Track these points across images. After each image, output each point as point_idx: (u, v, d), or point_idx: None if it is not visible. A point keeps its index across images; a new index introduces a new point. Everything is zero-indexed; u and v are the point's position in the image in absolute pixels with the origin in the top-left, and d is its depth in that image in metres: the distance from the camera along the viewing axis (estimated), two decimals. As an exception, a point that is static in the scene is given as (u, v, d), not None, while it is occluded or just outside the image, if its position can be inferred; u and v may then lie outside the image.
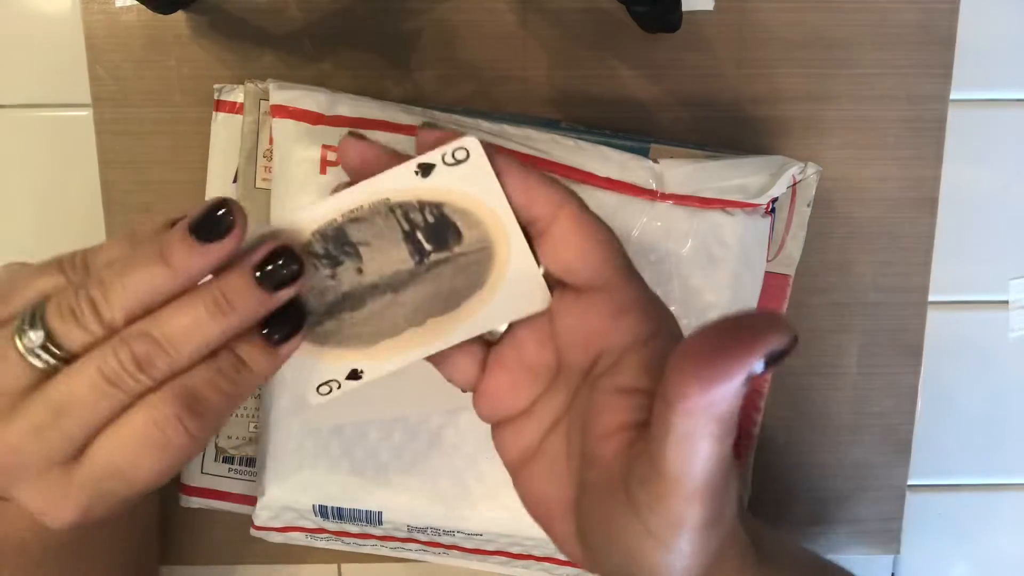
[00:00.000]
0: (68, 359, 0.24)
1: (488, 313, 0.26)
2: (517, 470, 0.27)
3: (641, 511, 0.22)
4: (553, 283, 0.26)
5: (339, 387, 0.27)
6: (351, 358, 0.27)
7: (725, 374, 0.20)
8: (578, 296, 0.25)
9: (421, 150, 0.25)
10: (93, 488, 0.24)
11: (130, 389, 0.24)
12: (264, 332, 0.25)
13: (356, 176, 0.25)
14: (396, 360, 0.27)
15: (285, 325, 0.25)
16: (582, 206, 0.25)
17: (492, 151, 0.25)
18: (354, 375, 0.27)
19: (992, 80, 0.44)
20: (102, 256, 0.26)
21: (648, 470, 0.22)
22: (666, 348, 0.24)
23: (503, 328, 0.27)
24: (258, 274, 0.24)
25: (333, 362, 0.27)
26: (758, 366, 0.19)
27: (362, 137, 0.25)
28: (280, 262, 0.24)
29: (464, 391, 0.28)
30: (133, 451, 0.24)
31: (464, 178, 0.24)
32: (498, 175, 0.24)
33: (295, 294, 0.25)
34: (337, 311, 0.26)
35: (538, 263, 0.26)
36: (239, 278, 0.24)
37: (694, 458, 0.21)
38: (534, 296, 0.26)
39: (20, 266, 0.27)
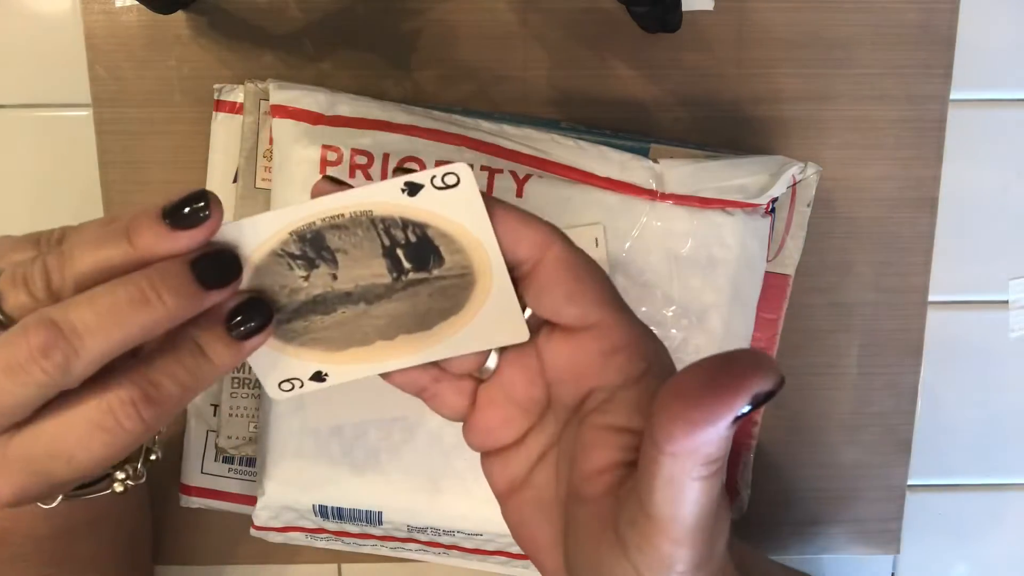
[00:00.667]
0: (7, 325, 0.23)
1: (462, 338, 0.26)
2: (505, 499, 0.27)
3: (630, 552, 0.22)
4: (541, 321, 0.26)
5: (301, 386, 0.27)
6: (317, 360, 0.26)
7: (711, 417, 0.19)
8: (567, 335, 0.25)
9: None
10: (29, 467, 0.23)
11: (40, 379, 0.22)
12: (230, 324, 0.24)
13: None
14: (363, 368, 0.26)
15: (252, 319, 0.24)
16: (569, 245, 0.24)
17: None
18: (318, 377, 0.27)
19: (992, 80, 0.44)
20: (78, 232, 0.25)
21: (637, 512, 0.22)
22: (657, 386, 0.23)
23: (492, 365, 0.27)
24: (196, 269, 0.23)
25: (298, 360, 0.26)
26: (744, 408, 0.19)
27: (337, 182, 0.25)
28: (223, 262, 0.23)
29: (454, 421, 0.28)
30: (82, 433, 0.23)
31: (451, 203, 0.24)
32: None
33: (231, 298, 0.24)
34: (307, 312, 0.26)
35: (520, 297, 0.25)
36: (174, 267, 0.23)
37: (682, 501, 0.21)
38: (512, 329, 0.26)
39: (3, 238, 0.27)
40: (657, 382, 0.24)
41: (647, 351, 0.25)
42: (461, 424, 0.28)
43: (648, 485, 0.21)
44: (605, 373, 0.24)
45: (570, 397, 0.25)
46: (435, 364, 0.27)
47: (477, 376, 0.27)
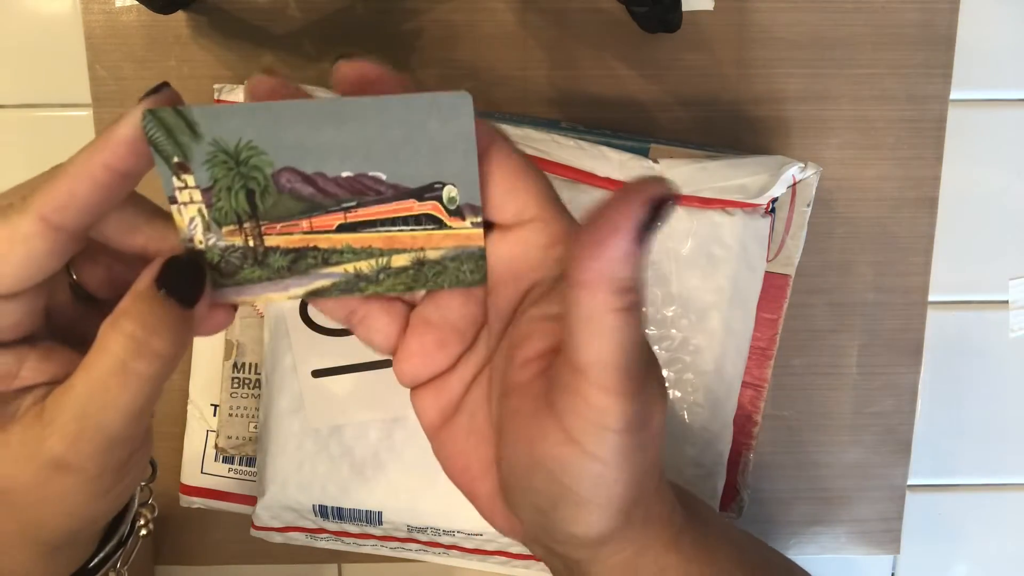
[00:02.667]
0: None
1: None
2: (437, 432, 0.26)
3: (564, 418, 0.22)
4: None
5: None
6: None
7: (613, 233, 0.20)
8: (506, 233, 0.24)
9: (340, 79, 0.23)
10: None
11: None
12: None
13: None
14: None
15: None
16: (509, 145, 0.24)
17: (410, 83, 0.23)
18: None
19: (992, 80, 0.44)
20: None
21: (565, 371, 0.22)
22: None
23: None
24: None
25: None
26: (643, 223, 0.20)
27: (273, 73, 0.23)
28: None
29: (383, 354, 0.26)
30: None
31: None
32: None
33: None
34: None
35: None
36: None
37: (603, 337, 0.20)
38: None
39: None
40: None
41: None
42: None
43: (571, 331, 0.21)
44: (544, 265, 0.24)
45: (509, 300, 0.25)
46: None
47: (409, 299, 0.26)
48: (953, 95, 0.44)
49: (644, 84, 0.43)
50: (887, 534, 0.48)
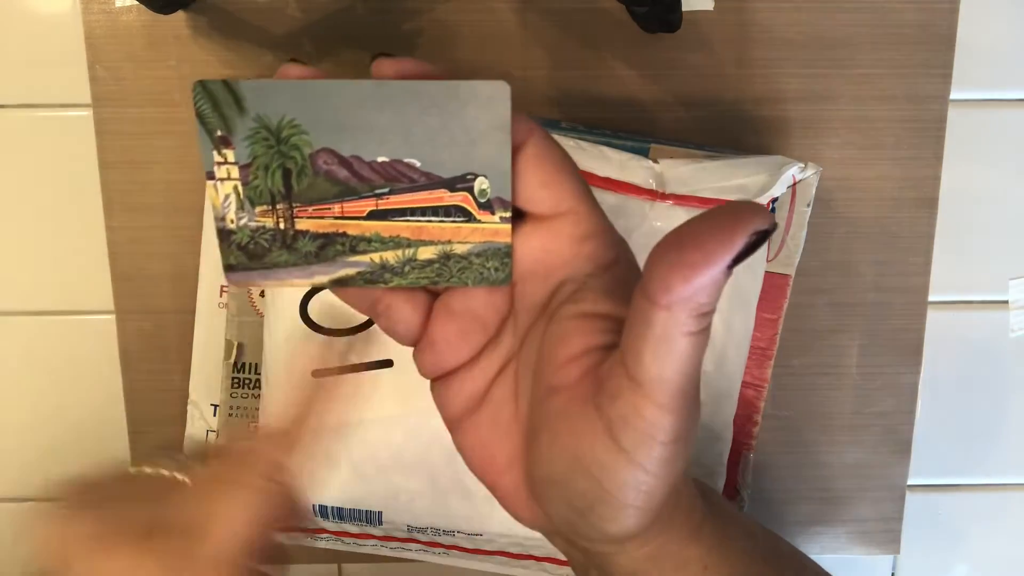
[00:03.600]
0: None
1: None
2: (459, 424, 0.26)
3: (613, 426, 0.22)
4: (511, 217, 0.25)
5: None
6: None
7: (710, 258, 0.19)
8: (538, 225, 0.24)
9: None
10: None
11: None
12: None
13: None
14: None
15: None
16: (545, 137, 0.24)
17: (450, 75, 0.23)
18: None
19: (992, 80, 0.44)
20: None
21: (621, 380, 0.22)
22: (627, 275, 0.24)
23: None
24: None
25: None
26: (742, 247, 0.19)
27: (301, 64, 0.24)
28: None
29: (405, 344, 0.26)
30: None
31: None
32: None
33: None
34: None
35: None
36: None
37: (672, 358, 0.21)
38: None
39: None
40: (626, 271, 0.24)
41: (616, 240, 0.25)
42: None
43: (637, 346, 0.21)
44: (576, 261, 0.24)
45: (538, 294, 0.25)
46: None
47: (432, 287, 0.26)
48: (953, 95, 0.44)
49: (644, 84, 0.43)
50: (887, 534, 0.48)
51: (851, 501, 0.47)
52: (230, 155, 0.22)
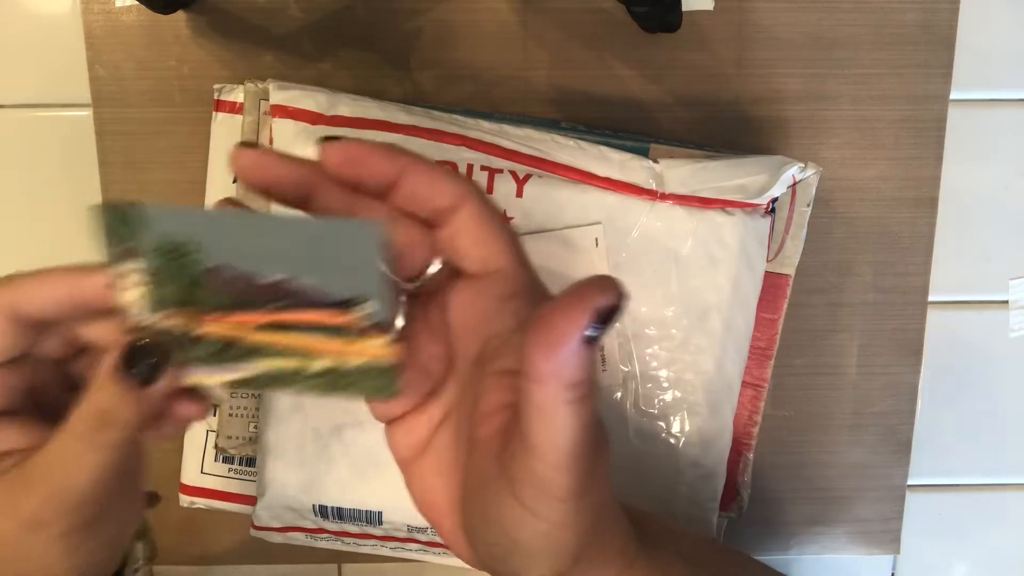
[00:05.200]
0: None
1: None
2: (407, 467, 0.28)
3: (514, 484, 0.23)
4: (446, 276, 0.27)
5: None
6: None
7: (562, 337, 0.21)
8: (471, 283, 0.26)
9: (327, 161, 0.25)
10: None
11: None
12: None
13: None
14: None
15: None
16: (483, 199, 0.26)
17: (394, 149, 0.25)
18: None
19: (992, 80, 0.44)
20: None
21: (517, 444, 0.23)
22: None
23: (398, 325, 0.27)
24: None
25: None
26: (591, 327, 0.21)
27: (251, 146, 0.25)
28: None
29: None
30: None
31: None
32: (403, 171, 0.25)
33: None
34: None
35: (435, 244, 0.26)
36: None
37: (554, 427, 0.22)
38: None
39: None
40: None
41: (541, 298, 0.26)
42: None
43: (524, 416, 0.22)
44: (502, 317, 0.25)
45: (471, 348, 0.26)
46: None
47: None
48: (953, 95, 0.44)
49: (644, 84, 0.43)
50: (887, 534, 0.48)
51: (851, 501, 0.47)
52: (135, 264, 0.24)
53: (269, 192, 0.25)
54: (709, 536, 0.42)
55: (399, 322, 0.26)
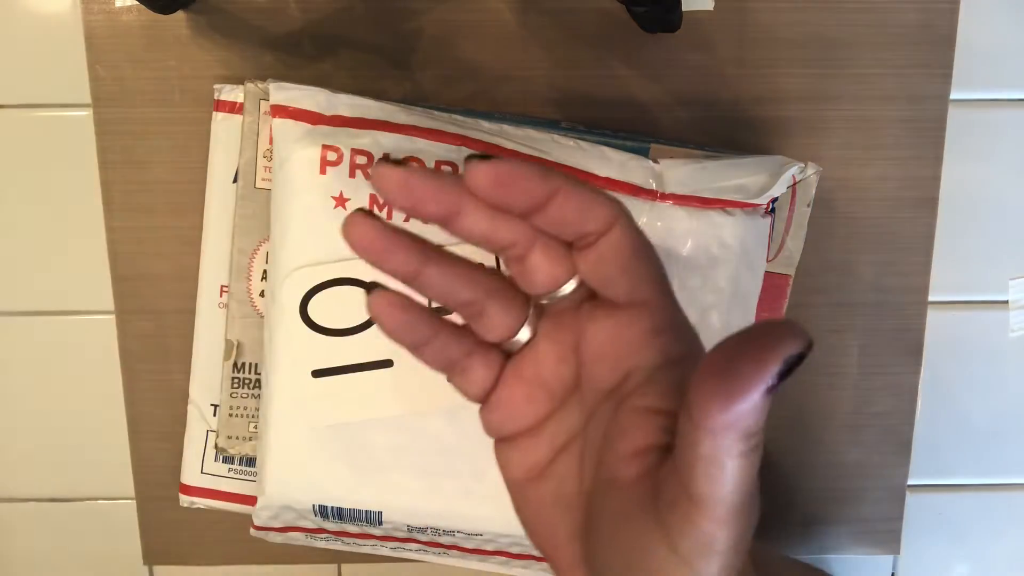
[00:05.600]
0: None
1: None
2: (520, 489, 0.27)
3: (671, 535, 0.22)
4: (585, 297, 0.26)
5: None
6: None
7: (745, 387, 0.19)
8: (613, 312, 0.25)
9: (476, 184, 0.23)
10: None
11: None
12: None
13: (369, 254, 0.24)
14: None
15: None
16: (632, 224, 0.24)
17: (545, 170, 0.23)
18: None
19: (992, 80, 0.44)
20: None
21: (678, 493, 0.22)
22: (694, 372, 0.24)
23: (526, 336, 0.26)
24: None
25: None
26: (775, 376, 0.19)
27: (370, 215, 0.24)
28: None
29: (474, 402, 0.27)
30: None
31: None
32: (554, 193, 0.23)
33: None
34: None
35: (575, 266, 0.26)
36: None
37: (723, 479, 0.21)
38: None
39: None
40: (694, 366, 0.24)
41: (689, 336, 0.25)
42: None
43: (688, 465, 0.21)
44: (647, 353, 0.24)
45: (606, 379, 0.25)
46: (470, 333, 0.26)
47: (507, 348, 0.27)
48: (953, 95, 0.44)
49: (644, 84, 0.43)
50: (887, 534, 0.48)
51: (851, 501, 0.47)
52: None
53: (413, 211, 0.24)
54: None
55: (523, 335, 0.26)
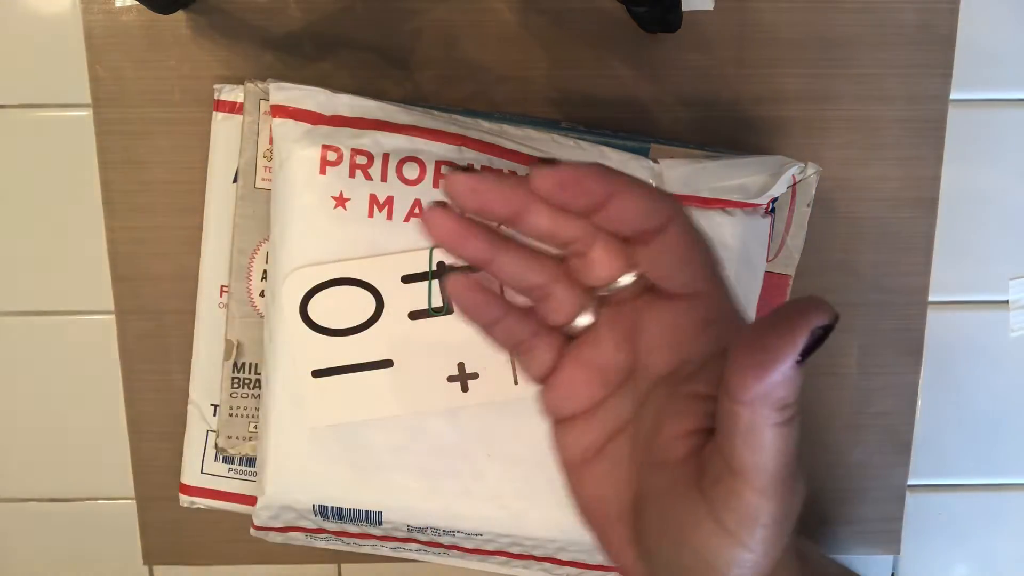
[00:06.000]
0: None
1: None
2: (574, 470, 0.28)
3: (716, 509, 0.23)
4: (644, 287, 0.27)
5: None
6: None
7: (777, 357, 0.21)
8: (670, 302, 0.26)
9: (540, 187, 0.25)
10: None
11: None
12: None
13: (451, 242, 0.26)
14: None
15: None
16: (689, 219, 0.26)
17: (605, 171, 0.25)
18: None
19: (992, 80, 0.44)
20: None
21: (721, 468, 0.23)
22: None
23: (586, 321, 0.27)
24: None
25: None
26: (804, 348, 0.21)
27: (446, 208, 0.25)
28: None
29: (535, 383, 0.28)
30: None
31: None
32: (614, 193, 0.25)
33: None
34: None
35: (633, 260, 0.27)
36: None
37: (762, 448, 0.22)
38: None
39: None
40: None
41: (743, 327, 0.26)
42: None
43: (729, 438, 0.22)
44: (702, 342, 0.25)
45: (661, 366, 0.26)
46: (535, 316, 0.28)
47: (568, 332, 0.28)
48: (953, 95, 0.44)
49: (644, 84, 0.43)
50: (887, 534, 0.48)
51: (851, 501, 0.47)
52: None
53: (483, 213, 0.25)
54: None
55: (584, 320, 0.27)
